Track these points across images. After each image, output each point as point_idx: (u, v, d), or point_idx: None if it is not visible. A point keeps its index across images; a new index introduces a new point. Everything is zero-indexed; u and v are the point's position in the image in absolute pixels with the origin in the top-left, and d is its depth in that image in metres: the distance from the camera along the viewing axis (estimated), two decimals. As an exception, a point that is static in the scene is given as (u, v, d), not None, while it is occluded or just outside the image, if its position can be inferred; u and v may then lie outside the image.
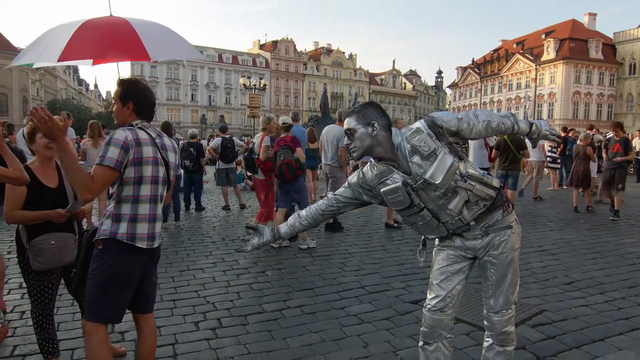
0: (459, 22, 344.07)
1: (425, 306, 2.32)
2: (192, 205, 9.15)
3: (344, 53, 77.20)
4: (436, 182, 2.03)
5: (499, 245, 2.19)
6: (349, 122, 2.14)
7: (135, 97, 2.35)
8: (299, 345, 3.19)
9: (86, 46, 3.19)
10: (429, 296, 2.31)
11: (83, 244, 2.48)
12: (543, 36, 54.30)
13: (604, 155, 8.68)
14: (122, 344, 3.17)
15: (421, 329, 2.32)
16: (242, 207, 9.43)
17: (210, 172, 13.37)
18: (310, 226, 2.40)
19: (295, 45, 71.63)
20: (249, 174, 13.07)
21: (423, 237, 2.38)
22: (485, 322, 2.37)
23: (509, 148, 8.05)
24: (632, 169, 15.84)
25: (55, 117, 2.11)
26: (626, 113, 50.13)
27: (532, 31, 59.21)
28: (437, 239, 2.33)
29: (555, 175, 12.91)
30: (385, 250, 5.93)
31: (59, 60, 3.04)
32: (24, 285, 2.93)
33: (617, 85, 52.16)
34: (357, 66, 78.55)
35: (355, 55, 78.82)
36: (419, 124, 2.12)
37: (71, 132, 9.10)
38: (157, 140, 2.38)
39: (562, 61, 49.71)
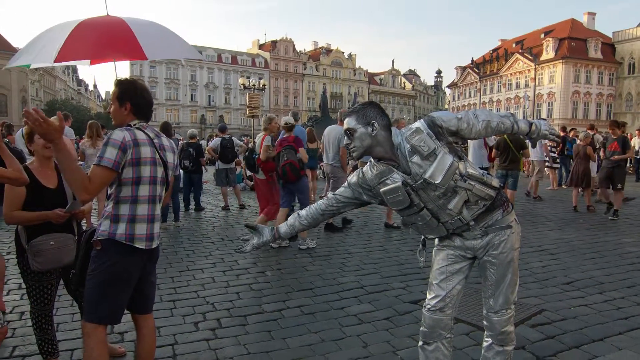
0: (458, 22, 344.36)
1: (424, 306, 2.32)
2: (192, 206, 9.15)
3: (343, 53, 77.21)
4: (436, 182, 2.03)
5: (498, 245, 2.19)
6: (348, 122, 2.14)
7: (132, 97, 2.35)
8: (299, 346, 3.19)
9: (82, 46, 3.18)
10: (428, 296, 2.31)
11: (82, 244, 2.48)
12: (542, 36, 54.33)
13: (601, 153, 8.65)
14: (122, 344, 3.17)
15: (421, 328, 2.32)
16: (242, 207, 9.43)
17: (209, 172, 13.37)
18: (310, 226, 2.40)
19: (294, 45, 71.64)
20: (248, 173, 13.13)
21: (423, 237, 2.38)
22: (484, 322, 2.37)
23: (509, 148, 8.04)
24: (631, 169, 15.86)
25: (51, 118, 2.10)
26: (625, 112, 50.16)
27: (531, 30, 59.33)
28: (436, 239, 2.33)
29: (555, 175, 12.92)
30: (385, 250, 5.93)
31: (55, 61, 3.02)
32: (24, 286, 2.93)
33: (616, 85, 52.20)
34: (357, 66, 78.56)
35: (355, 55, 78.85)
36: (419, 123, 2.12)
37: (70, 132, 9.10)
38: (155, 141, 2.38)
39: (561, 61, 49.74)
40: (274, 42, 70.71)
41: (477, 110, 2.20)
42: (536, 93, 52.53)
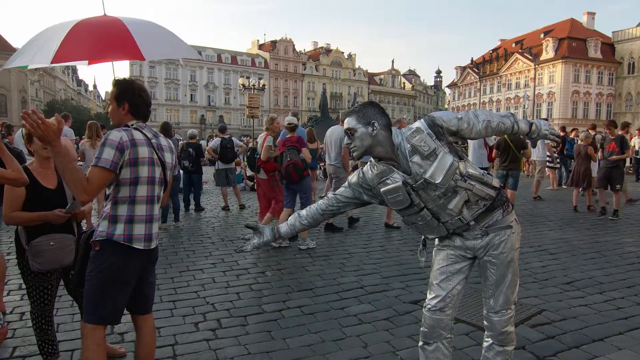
0: (457, 22, 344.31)
1: (425, 306, 2.32)
2: (192, 206, 9.15)
3: (343, 53, 77.20)
4: (436, 182, 2.03)
5: (498, 245, 2.20)
6: (349, 122, 2.14)
7: (130, 97, 2.34)
8: (299, 346, 3.19)
9: (79, 47, 3.16)
10: (428, 296, 2.31)
11: (81, 245, 2.47)
12: (542, 35, 54.32)
13: (599, 154, 8.59)
14: (122, 344, 3.17)
15: (421, 329, 2.32)
16: (242, 207, 9.43)
17: (209, 172, 13.37)
18: (310, 226, 2.40)
19: (294, 45, 71.63)
20: (249, 173, 13.14)
21: (423, 237, 2.38)
22: (485, 322, 2.37)
23: (509, 148, 8.02)
24: (631, 169, 15.86)
25: (51, 118, 2.10)
26: (625, 112, 50.15)
27: (531, 30, 59.33)
28: (437, 239, 2.33)
29: (555, 175, 12.92)
30: (385, 251, 5.93)
31: (52, 62, 3.01)
32: (24, 286, 2.92)
33: (616, 85, 52.19)
34: (356, 66, 78.55)
35: (354, 55, 78.83)
36: (419, 123, 2.12)
37: (70, 132, 9.10)
38: (153, 141, 2.37)
39: (561, 60, 49.73)
40: (274, 42, 70.70)
41: (478, 111, 2.20)
42: (536, 93, 52.52)
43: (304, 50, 76.48)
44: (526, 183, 12.32)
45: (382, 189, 2.13)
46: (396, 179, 2.09)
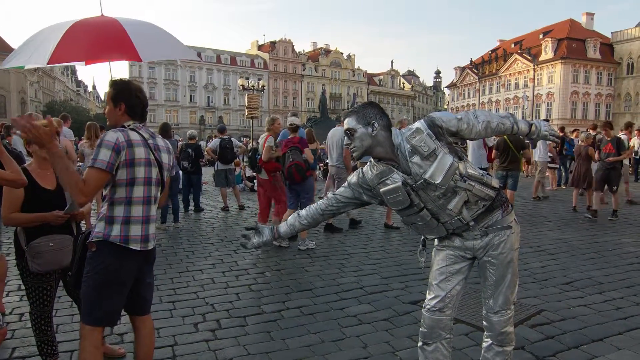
0: (457, 22, 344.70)
1: (424, 307, 2.32)
2: (191, 207, 9.15)
3: (342, 54, 77.23)
4: (436, 182, 2.04)
5: (498, 246, 2.20)
6: (348, 122, 2.14)
7: (127, 98, 2.34)
8: (298, 346, 3.19)
9: (76, 47, 3.15)
10: (428, 296, 2.31)
11: (78, 245, 2.47)
12: (541, 36, 54.37)
13: (596, 156, 8.47)
14: (121, 345, 3.17)
15: (420, 329, 2.33)
16: (241, 208, 9.43)
17: (208, 173, 13.36)
18: (310, 226, 2.40)
19: (293, 46, 71.64)
20: (248, 174, 13.13)
21: (423, 238, 2.38)
22: (484, 323, 2.37)
23: (509, 148, 8.02)
24: (630, 169, 15.87)
25: (40, 121, 2.10)
26: (624, 112, 50.19)
27: (530, 31, 59.33)
28: (436, 239, 2.33)
29: (554, 175, 12.93)
30: (384, 251, 5.93)
31: (48, 63, 3.01)
32: (23, 287, 2.92)
33: (615, 85, 52.24)
34: (356, 67, 78.57)
35: (354, 55, 78.82)
36: (419, 124, 2.13)
37: (70, 133, 9.10)
38: (150, 141, 2.36)
39: (560, 61, 49.78)
40: (273, 43, 70.71)
41: (477, 111, 2.21)
42: (535, 93, 52.55)
43: (304, 51, 76.54)
44: (526, 183, 12.32)
45: (381, 189, 2.13)
46: (396, 179, 2.09)
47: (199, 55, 61.50)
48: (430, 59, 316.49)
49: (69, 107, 54.59)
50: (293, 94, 71.20)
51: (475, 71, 63.13)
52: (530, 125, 2.28)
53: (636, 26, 50.02)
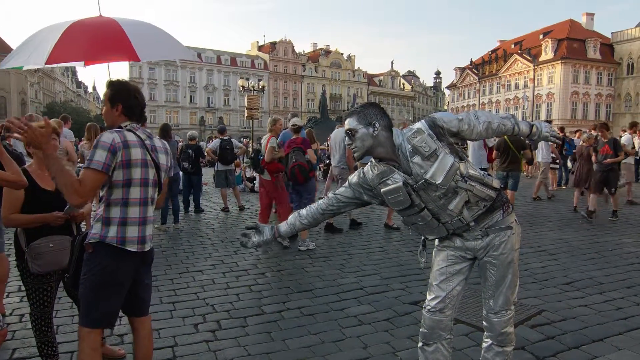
0: (457, 22, 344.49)
1: (424, 307, 2.32)
2: (191, 208, 9.15)
3: (342, 54, 77.27)
4: (437, 183, 2.04)
5: (498, 246, 2.20)
6: (349, 123, 2.14)
7: (124, 98, 2.33)
8: (299, 347, 3.19)
9: (74, 48, 3.15)
10: (428, 297, 2.31)
11: (75, 246, 2.46)
12: (541, 36, 54.37)
13: (593, 158, 8.39)
14: (121, 346, 3.17)
15: (420, 330, 2.33)
16: (241, 209, 9.43)
17: (209, 174, 13.38)
18: (310, 225, 2.39)
19: (293, 46, 71.68)
20: (248, 175, 13.14)
21: (423, 238, 2.38)
22: (484, 323, 2.37)
23: (509, 148, 8.01)
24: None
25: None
26: (624, 113, 50.20)
27: (530, 31, 59.34)
28: (436, 240, 2.33)
29: (555, 176, 12.93)
30: (385, 252, 5.93)
31: (46, 63, 3.00)
32: (23, 288, 2.93)
33: (615, 85, 52.23)
34: (356, 67, 78.61)
35: (354, 56, 78.84)
36: (420, 124, 2.13)
37: (70, 134, 9.11)
38: (147, 142, 2.35)
39: (560, 61, 49.77)
40: (273, 44, 70.76)
41: (478, 112, 2.21)
42: (535, 94, 52.55)
43: (304, 51, 76.57)
44: (526, 184, 12.31)
45: (382, 190, 2.13)
46: (397, 180, 2.09)
47: (199, 56, 61.54)
48: (430, 59, 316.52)
49: (69, 108, 54.67)
50: (293, 94, 71.23)
51: (475, 72, 63.12)
52: (531, 127, 2.28)
53: (636, 26, 50.02)
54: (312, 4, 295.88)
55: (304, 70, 71.91)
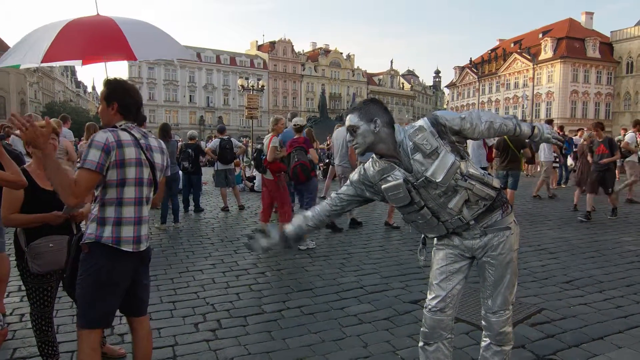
0: (456, 22, 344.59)
1: (425, 307, 2.32)
2: (191, 207, 9.15)
3: (341, 53, 77.24)
4: (437, 181, 2.04)
5: (497, 246, 2.20)
6: (351, 119, 2.14)
7: (120, 97, 2.31)
8: (299, 346, 3.19)
9: (70, 47, 3.13)
10: (429, 296, 2.31)
11: (72, 246, 2.44)
12: (540, 35, 54.35)
13: (589, 158, 8.31)
14: (122, 345, 3.17)
15: (421, 329, 2.33)
16: (241, 208, 9.43)
17: (208, 173, 13.38)
18: (317, 227, 2.39)
19: (293, 46, 71.65)
20: (247, 175, 13.14)
21: (423, 236, 2.38)
22: (483, 322, 2.37)
23: (508, 147, 8.00)
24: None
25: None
26: (624, 111, 50.22)
27: (530, 30, 59.33)
28: (435, 238, 2.33)
29: (555, 175, 12.94)
30: (385, 250, 5.94)
31: (42, 62, 2.98)
32: (23, 288, 2.93)
33: (614, 84, 52.23)
34: (355, 66, 78.59)
35: (353, 55, 78.83)
36: (422, 121, 2.13)
37: (70, 134, 9.10)
38: (142, 141, 2.32)
39: (559, 60, 49.78)
40: (273, 43, 70.71)
41: (481, 111, 2.21)
42: (534, 93, 52.56)
43: (303, 51, 76.57)
44: (526, 183, 12.32)
45: (383, 186, 2.14)
46: (397, 177, 2.10)
47: (198, 55, 61.54)
48: (430, 59, 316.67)
49: (68, 108, 54.61)
50: (292, 94, 71.21)
51: (475, 71, 63.11)
52: (533, 128, 2.29)
53: (635, 25, 50.03)
54: (312, 4, 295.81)
55: (304, 70, 71.88)
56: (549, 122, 11.45)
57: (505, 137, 7.95)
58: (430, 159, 2.05)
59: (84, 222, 3.30)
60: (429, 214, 2.15)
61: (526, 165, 15.40)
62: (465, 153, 2.18)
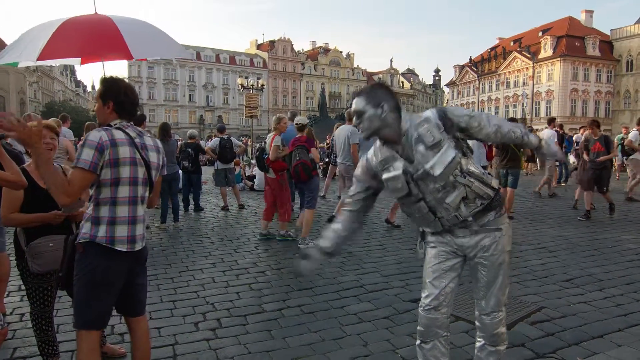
0: (456, 21, 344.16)
1: (420, 306, 2.32)
2: (191, 206, 9.15)
3: (341, 52, 77.20)
4: (435, 174, 2.04)
5: (489, 247, 2.20)
6: (358, 103, 2.14)
7: (115, 95, 2.29)
8: (299, 345, 3.20)
9: (67, 44, 3.12)
10: (423, 295, 2.32)
11: (68, 246, 2.43)
12: (540, 34, 54.29)
13: (585, 156, 8.29)
14: (122, 345, 3.17)
15: (418, 328, 2.33)
16: (241, 207, 9.43)
17: (208, 172, 13.37)
18: (351, 237, 2.38)
19: (292, 45, 71.61)
20: (247, 174, 13.13)
21: (421, 230, 2.38)
22: (477, 323, 2.39)
23: (508, 146, 7.99)
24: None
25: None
26: (624, 110, 50.20)
27: (529, 29, 59.28)
28: (428, 236, 2.33)
29: (555, 173, 12.93)
30: (385, 249, 5.94)
31: (38, 59, 2.97)
32: (23, 287, 2.93)
33: (614, 82, 52.19)
34: (355, 65, 78.55)
35: (353, 54, 78.82)
36: (430, 112, 2.15)
37: (69, 133, 9.09)
38: (137, 140, 2.30)
39: (559, 58, 49.74)
40: (272, 42, 70.67)
41: (491, 115, 2.22)
42: (534, 91, 52.54)
43: (303, 49, 76.49)
44: (526, 181, 12.32)
45: (383, 176, 2.16)
46: (397, 167, 2.11)
47: (197, 54, 61.52)
48: (429, 58, 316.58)
49: (68, 107, 54.56)
50: (292, 92, 71.18)
51: (475, 69, 63.05)
52: (540, 141, 2.30)
53: (635, 23, 49.96)
54: (312, 4, 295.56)
55: (303, 69, 71.84)
56: (551, 120, 11.46)
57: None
58: (432, 151, 2.06)
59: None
60: (425, 207, 2.15)
61: (526, 163, 15.42)
62: (468, 150, 2.18)
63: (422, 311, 2.29)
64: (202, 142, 18.40)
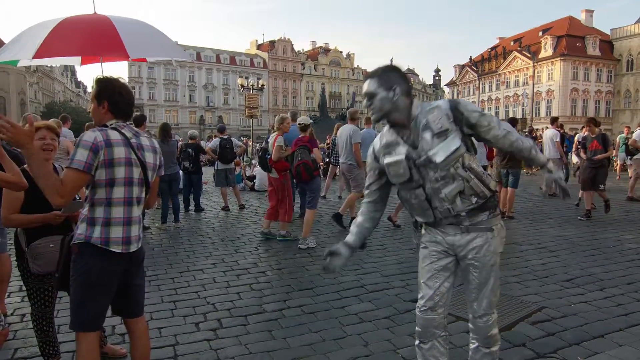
0: (456, 21, 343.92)
1: (417, 307, 2.32)
2: (192, 207, 9.15)
3: (341, 52, 77.21)
4: (436, 161, 2.05)
5: (480, 248, 2.18)
6: (369, 85, 2.13)
7: (110, 95, 2.27)
8: (300, 345, 3.20)
9: (64, 43, 3.11)
10: (418, 296, 2.31)
11: (64, 246, 2.42)
12: (540, 33, 54.27)
13: (582, 154, 8.30)
14: (122, 345, 3.17)
15: (416, 328, 2.34)
16: (242, 207, 9.43)
17: (209, 173, 13.39)
18: (373, 227, 2.44)
19: (292, 45, 71.63)
20: (247, 174, 13.13)
21: (415, 219, 2.37)
22: (470, 325, 2.38)
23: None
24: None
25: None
26: (624, 109, 50.20)
27: (529, 28, 59.31)
28: (421, 235, 2.33)
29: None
30: (385, 249, 5.94)
31: (34, 57, 2.97)
32: (24, 288, 2.93)
33: (614, 82, 52.16)
34: (355, 65, 78.54)
35: (353, 54, 78.80)
36: (442, 101, 2.16)
37: (70, 134, 9.12)
38: (133, 140, 2.28)
39: (559, 58, 49.72)
40: (272, 42, 70.70)
41: (502, 122, 2.23)
42: (535, 91, 52.52)
43: (303, 50, 76.51)
44: (526, 181, 12.33)
45: (385, 161, 2.17)
46: (400, 152, 2.12)
47: (198, 55, 61.55)
48: (429, 58, 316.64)
49: (68, 108, 54.59)
50: (292, 93, 71.20)
51: (475, 69, 63.03)
52: (547, 160, 2.30)
53: (635, 23, 49.94)
54: (312, 4, 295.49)
55: (303, 69, 71.86)
56: (554, 120, 11.45)
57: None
58: (437, 139, 2.06)
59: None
60: (423, 195, 2.15)
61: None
62: (473, 148, 2.17)
63: (419, 312, 2.29)
64: (202, 143, 18.41)
